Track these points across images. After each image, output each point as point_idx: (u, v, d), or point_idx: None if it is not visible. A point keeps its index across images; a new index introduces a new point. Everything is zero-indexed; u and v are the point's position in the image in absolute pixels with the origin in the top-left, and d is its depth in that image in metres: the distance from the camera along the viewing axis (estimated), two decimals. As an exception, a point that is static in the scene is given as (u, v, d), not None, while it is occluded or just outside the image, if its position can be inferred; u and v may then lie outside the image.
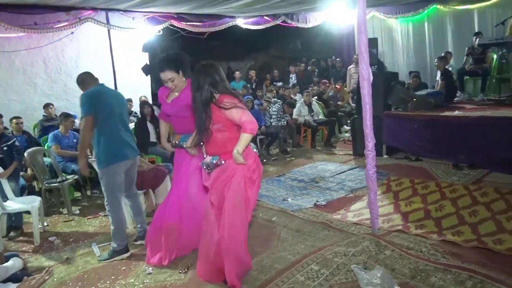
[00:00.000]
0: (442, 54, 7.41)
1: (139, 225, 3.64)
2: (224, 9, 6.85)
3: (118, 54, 6.99)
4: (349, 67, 9.28)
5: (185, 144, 3.03)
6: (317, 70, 11.32)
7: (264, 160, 6.65)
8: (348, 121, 7.64)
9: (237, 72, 9.73)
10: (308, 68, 11.40)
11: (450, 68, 7.15)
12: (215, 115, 2.55)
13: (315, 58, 11.97)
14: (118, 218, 3.32)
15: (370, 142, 3.12)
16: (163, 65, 3.03)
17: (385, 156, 6.20)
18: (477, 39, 6.79)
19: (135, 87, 7.34)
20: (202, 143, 2.77)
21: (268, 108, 7.22)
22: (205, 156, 2.76)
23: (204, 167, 2.72)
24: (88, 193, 5.36)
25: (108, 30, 6.76)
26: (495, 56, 6.95)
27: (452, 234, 3.38)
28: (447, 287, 2.51)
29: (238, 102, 2.56)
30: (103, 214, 4.48)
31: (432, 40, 8.37)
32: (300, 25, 8.60)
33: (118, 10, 6.61)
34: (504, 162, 4.82)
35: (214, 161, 2.64)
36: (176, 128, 3.30)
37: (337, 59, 10.37)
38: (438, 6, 7.84)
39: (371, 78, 2.98)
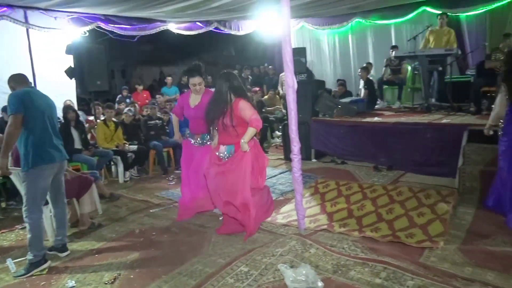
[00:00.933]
0: (364, 65, 7.99)
1: (59, 237, 3.45)
2: (155, 13, 6.74)
3: (39, 55, 6.53)
4: (280, 74, 9.59)
5: (212, 144, 3.65)
6: (251, 77, 11.54)
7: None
8: (280, 127, 7.89)
9: (169, 78, 9.57)
10: (243, 74, 11.58)
11: (371, 78, 7.73)
12: (233, 113, 3.30)
13: (249, 65, 12.20)
14: (36, 225, 3.13)
15: (296, 146, 3.27)
16: (194, 72, 3.82)
17: (314, 160, 6.51)
18: (394, 52, 7.43)
19: (58, 91, 6.89)
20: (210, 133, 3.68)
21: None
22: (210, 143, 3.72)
23: (221, 155, 3.47)
24: (3, 205, 4.94)
25: (27, 30, 6.30)
26: (409, 68, 7.64)
27: (371, 230, 3.65)
28: (364, 278, 2.72)
29: (251, 105, 3.35)
30: (20, 227, 4.16)
31: (356, 51, 8.99)
32: (233, 32, 8.74)
33: (38, 8, 6.20)
34: (416, 163, 5.33)
35: (230, 151, 3.42)
36: (195, 128, 3.96)
37: (270, 66, 10.66)
38: (361, 20, 8.45)
39: (296, 85, 3.14)
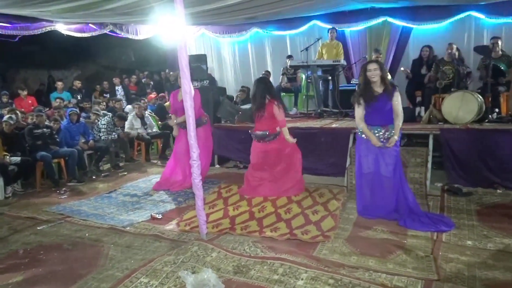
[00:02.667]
0: (263, 73, 8.35)
1: None
2: (39, 12, 6.15)
3: None
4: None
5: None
6: (152, 83, 11.22)
7: (94, 177, 6.21)
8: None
9: (59, 82, 8.74)
10: (143, 80, 11.20)
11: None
12: (267, 109, 4.63)
13: (149, 70, 11.85)
14: None
15: (194, 152, 3.28)
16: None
17: (217, 166, 6.58)
18: (289, 61, 7.91)
19: None
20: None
21: (96, 121, 6.77)
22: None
23: (254, 137, 4.90)
24: None
25: None
26: (303, 76, 8.21)
27: (270, 230, 3.82)
28: (263, 276, 2.84)
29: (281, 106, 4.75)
30: None
31: (255, 59, 9.34)
32: (131, 36, 8.41)
33: None
34: (312, 165, 5.71)
35: (266, 133, 4.76)
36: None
37: (171, 72, 10.48)
38: (259, 30, 8.82)
39: (193, 92, 3.16)
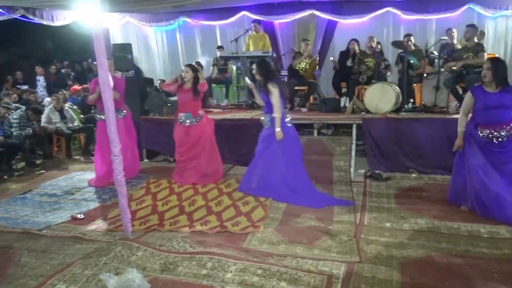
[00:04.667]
0: (194, 64, 8.13)
1: None
2: None
3: None
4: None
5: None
6: (73, 74, 10.44)
7: (5, 177, 5.64)
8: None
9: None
10: (63, 70, 10.38)
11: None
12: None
13: (69, 60, 11.01)
14: None
15: (116, 147, 3.10)
16: None
17: (146, 160, 6.33)
18: (219, 52, 7.81)
19: None
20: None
21: (6, 115, 6.12)
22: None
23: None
24: None
25: None
26: (234, 68, 8.15)
27: (201, 224, 3.76)
28: (191, 272, 2.77)
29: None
30: None
31: (184, 50, 9.06)
32: (46, 22, 7.66)
33: None
34: (242, 156, 5.72)
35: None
36: None
37: (94, 62, 9.82)
38: (187, 19, 8.56)
39: (112, 83, 2.96)
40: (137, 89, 6.21)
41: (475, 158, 3.73)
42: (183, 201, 4.44)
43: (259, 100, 4.73)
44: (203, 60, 8.43)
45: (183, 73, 4.94)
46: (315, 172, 4.96)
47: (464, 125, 3.85)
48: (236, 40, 6.92)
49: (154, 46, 9.26)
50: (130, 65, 6.49)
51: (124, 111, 5.30)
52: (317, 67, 7.27)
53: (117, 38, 9.10)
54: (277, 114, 4.30)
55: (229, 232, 3.56)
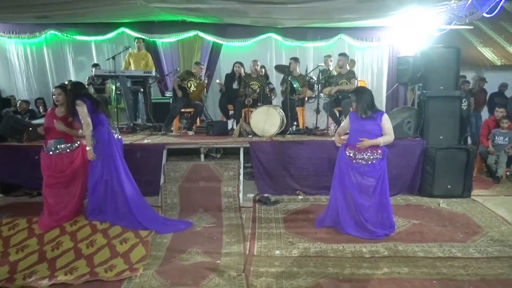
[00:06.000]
0: (66, 83, 7.20)
1: None
2: None
3: None
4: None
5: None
6: None
7: None
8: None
9: None
10: None
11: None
12: None
13: None
14: None
15: None
16: None
17: (0, 195, 5.27)
18: (95, 70, 7.08)
19: None
20: None
21: None
22: None
23: None
24: None
25: None
26: (113, 87, 7.48)
27: (64, 273, 3.13)
28: None
29: None
30: None
31: (54, 66, 8.03)
32: None
33: None
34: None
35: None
36: None
37: None
38: (56, 33, 7.63)
39: None
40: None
41: (342, 178, 3.89)
42: (45, 245, 3.71)
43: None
44: (77, 79, 7.57)
45: (54, 96, 4.23)
46: (203, 200, 4.69)
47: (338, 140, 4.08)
48: (113, 57, 6.34)
49: (15, 60, 8.00)
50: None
51: None
52: (205, 90, 7.07)
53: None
54: (86, 132, 4.05)
55: (100, 280, 3.02)
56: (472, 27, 7.95)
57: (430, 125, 5.28)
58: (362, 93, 3.89)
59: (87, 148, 4.10)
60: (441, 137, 5.23)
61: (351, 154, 3.85)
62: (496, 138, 6.16)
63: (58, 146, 4.21)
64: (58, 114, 4.23)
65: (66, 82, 7.30)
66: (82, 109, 4.03)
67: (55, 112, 4.24)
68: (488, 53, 9.18)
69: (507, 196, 5.27)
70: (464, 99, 6.78)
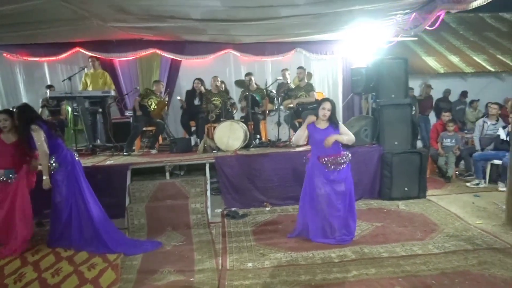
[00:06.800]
0: (19, 106, 6.89)
1: None
2: None
3: None
4: None
5: None
6: None
7: None
8: None
9: None
10: None
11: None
12: None
13: None
14: None
15: None
16: None
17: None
18: (49, 92, 6.84)
19: None
20: None
21: None
22: None
23: None
24: None
25: None
26: (69, 109, 7.26)
27: (31, 306, 3.00)
28: None
29: None
30: None
31: (3, 89, 7.64)
32: None
33: None
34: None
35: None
36: None
37: None
38: (4, 54, 7.32)
39: None
40: None
41: (312, 187, 4.01)
42: (5, 278, 3.51)
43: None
44: (29, 102, 7.26)
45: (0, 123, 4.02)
46: (172, 218, 4.68)
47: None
48: (70, 78, 6.18)
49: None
50: None
51: None
52: (166, 107, 7.04)
53: None
54: (43, 161, 3.89)
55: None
56: (416, 38, 8.48)
57: (385, 132, 5.60)
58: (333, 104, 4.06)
59: (44, 177, 3.90)
60: (396, 143, 5.55)
61: (323, 161, 3.95)
62: (444, 140, 6.61)
63: (10, 176, 3.99)
64: (6, 141, 4.03)
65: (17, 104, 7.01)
66: (39, 135, 3.85)
67: (2, 138, 4.03)
68: (432, 62, 9.86)
69: (458, 194, 5.67)
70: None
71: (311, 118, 4.03)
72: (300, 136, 4.14)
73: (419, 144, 8.02)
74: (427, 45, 10.61)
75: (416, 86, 9.14)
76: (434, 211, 4.93)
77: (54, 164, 3.96)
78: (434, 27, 5.38)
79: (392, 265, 3.42)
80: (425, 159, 5.55)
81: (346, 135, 3.99)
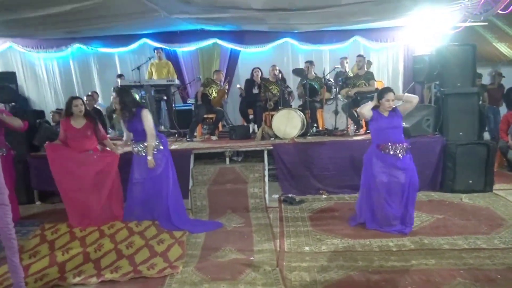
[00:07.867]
0: (89, 93, 7.55)
1: None
2: None
3: None
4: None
5: None
6: None
7: None
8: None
9: None
10: None
11: (98, 107, 7.39)
12: None
13: None
14: None
15: (3, 193, 2.61)
16: None
17: (38, 203, 5.58)
18: (120, 80, 7.38)
19: None
20: None
21: None
22: None
23: None
24: None
25: None
26: (137, 96, 7.74)
27: (110, 272, 3.35)
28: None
29: None
30: None
31: (80, 78, 8.39)
32: None
33: None
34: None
35: None
36: None
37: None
38: (82, 46, 7.98)
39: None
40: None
41: (373, 176, 3.99)
42: (87, 247, 3.93)
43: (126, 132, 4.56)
44: (101, 90, 7.91)
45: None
46: (231, 201, 4.89)
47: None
48: (138, 68, 6.62)
49: (43, 74, 8.39)
50: (13, 95, 5.76)
51: (4, 149, 4.61)
52: (226, 95, 7.30)
53: (-1, 65, 8.07)
54: (151, 142, 4.25)
55: (144, 277, 3.23)
56: (486, 23, 7.93)
57: (449, 122, 5.38)
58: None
59: (148, 158, 4.26)
60: (460, 133, 5.33)
61: (385, 150, 3.92)
62: (516, 132, 6.21)
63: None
64: (76, 125, 4.44)
65: (90, 92, 7.62)
66: (149, 117, 4.25)
67: (71, 123, 4.43)
68: (504, 48, 9.17)
69: (529, 190, 5.33)
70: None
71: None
72: (369, 107, 4.01)
73: (486, 136, 7.58)
74: (499, 30, 9.82)
75: (485, 74, 8.58)
76: (502, 205, 4.70)
77: (159, 145, 4.35)
78: (508, 10, 5.04)
79: (454, 257, 3.36)
80: (493, 151, 5.27)
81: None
